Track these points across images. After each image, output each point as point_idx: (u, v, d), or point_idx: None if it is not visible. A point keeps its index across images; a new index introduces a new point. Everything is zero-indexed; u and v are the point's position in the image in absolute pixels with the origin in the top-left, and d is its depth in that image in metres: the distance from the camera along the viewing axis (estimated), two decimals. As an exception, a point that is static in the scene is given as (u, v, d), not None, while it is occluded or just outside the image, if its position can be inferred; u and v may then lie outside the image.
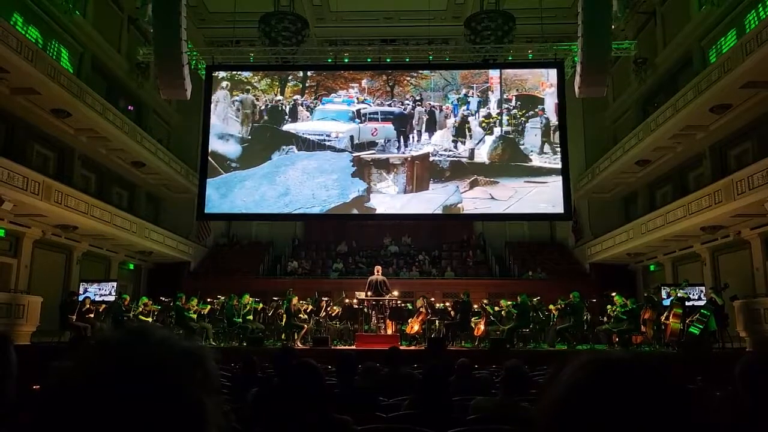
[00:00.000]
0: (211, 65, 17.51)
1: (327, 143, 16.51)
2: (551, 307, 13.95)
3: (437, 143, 16.52)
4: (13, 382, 1.40)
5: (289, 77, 17.49)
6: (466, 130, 16.63)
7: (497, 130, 16.63)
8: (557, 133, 16.25)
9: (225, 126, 16.93)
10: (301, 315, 13.53)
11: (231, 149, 16.70)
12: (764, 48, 12.09)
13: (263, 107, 17.00)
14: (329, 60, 18.43)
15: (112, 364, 0.72)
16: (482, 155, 16.44)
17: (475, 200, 16.20)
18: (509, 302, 13.83)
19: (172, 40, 14.26)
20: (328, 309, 14.13)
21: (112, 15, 19.31)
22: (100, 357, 0.73)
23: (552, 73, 16.82)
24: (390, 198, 16.22)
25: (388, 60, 18.27)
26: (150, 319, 13.61)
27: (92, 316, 13.08)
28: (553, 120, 16.42)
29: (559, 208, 16.10)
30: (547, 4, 18.04)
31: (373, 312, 13.49)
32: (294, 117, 16.88)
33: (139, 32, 20.09)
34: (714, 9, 15.79)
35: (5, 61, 12.52)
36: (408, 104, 16.88)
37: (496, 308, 14.02)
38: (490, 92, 16.96)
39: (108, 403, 0.69)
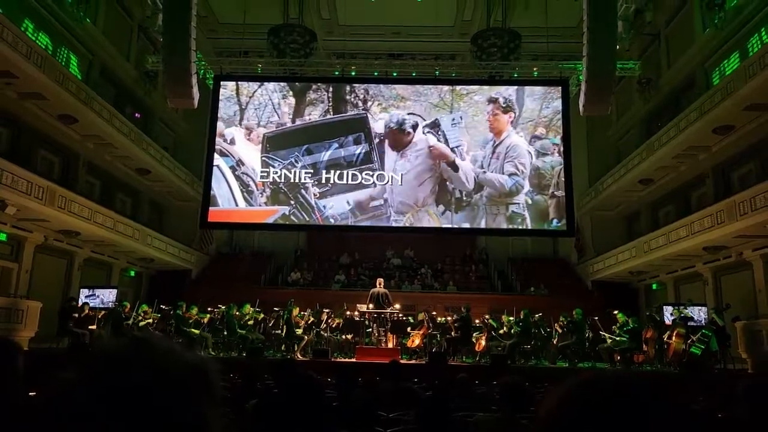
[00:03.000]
0: (219, 75, 17.63)
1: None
2: (555, 325, 13.88)
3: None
4: (16, 392, 1.40)
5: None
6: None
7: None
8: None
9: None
10: (300, 326, 13.49)
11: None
12: (767, 71, 12.16)
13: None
14: (336, 72, 18.55)
15: (116, 375, 0.72)
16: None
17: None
18: (511, 318, 13.78)
19: (181, 50, 14.38)
20: (329, 321, 14.09)
21: (122, 23, 19.49)
22: (104, 368, 0.74)
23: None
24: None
25: (395, 74, 18.38)
26: (150, 320, 13.57)
27: (94, 327, 13.03)
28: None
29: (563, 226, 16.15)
30: (552, 23, 18.16)
31: (375, 325, 13.44)
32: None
33: (149, 41, 20.28)
34: (718, 32, 15.89)
35: (14, 66, 12.63)
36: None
37: (500, 327, 13.95)
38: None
39: (111, 415, 0.69)
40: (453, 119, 16.81)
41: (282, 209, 16.44)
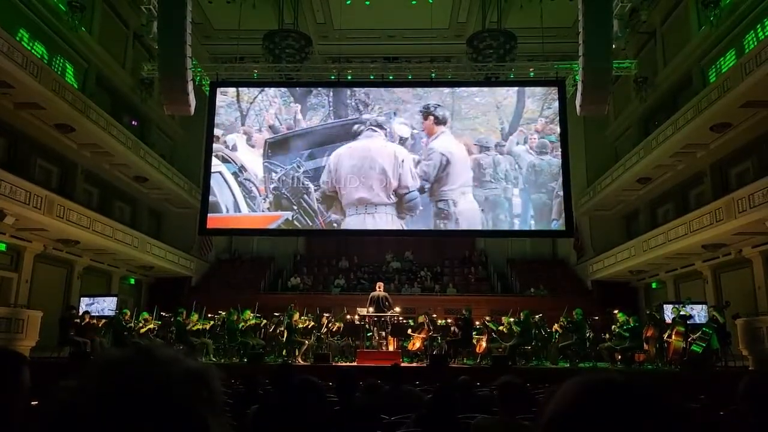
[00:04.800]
0: (215, 81, 17.65)
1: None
2: (555, 326, 13.87)
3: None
4: (22, 403, 1.41)
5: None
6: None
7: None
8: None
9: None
10: (298, 328, 13.48)
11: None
12: (763, 68, 12.19)
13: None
14: (332, 77, 18.58)
15: (119, 384, 0.72)
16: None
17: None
18: (511, 319, 13.78)
19: (177, 57, 14.40)
20: (330, 325, 14.08)
21: (117, 31, 19.51)
22: (107, 377, 0.74)
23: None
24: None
25: (391, 77, 18.42)
26: (151, 326, 13.54)
27: (95, 336, 13.00)
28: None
29: (561, 225, 16.16)
30: (548, 23, 18.20)
31: (375, 328, 13.44)
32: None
33: (144, 48, 20.30)
34: (713, 30, 15.94)
35: (10, 76, 12.62)
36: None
37: (500, 327, 13.94)
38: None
39: (114, 424, 0.69)
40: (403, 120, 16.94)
41: (285, 214, 16.46)
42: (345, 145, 16.72)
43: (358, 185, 16.34)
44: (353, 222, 16.33)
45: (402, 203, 16.25)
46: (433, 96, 17.20)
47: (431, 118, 16.87)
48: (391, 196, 16.24)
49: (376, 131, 16.80)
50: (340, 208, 16.35)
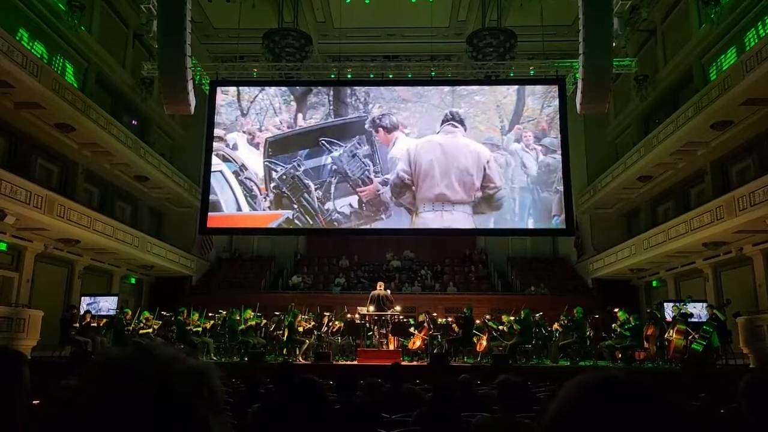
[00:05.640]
0: (215, 80, 17.63)
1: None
2: (555, 324, 13.88)
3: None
4: (23, 403, 1.41)
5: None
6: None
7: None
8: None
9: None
10: (299, 330, 13.50)
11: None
12: (764, 66, 12.18)
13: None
14: (332, 75, 18.57)
15: (120, 383, 0.73)
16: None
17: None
18: (512, 317, 13.78)
19: (177, 56, 14.39)
20: (330, 324, 14.09)
21: (117, 31, 19.51)
22: (108, 376, 0.74)
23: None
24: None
25: (391, 76, 18.40)
26: (150, 330, 13.56)
27: (96, 335, 13.02)
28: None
29: (561, 223, 16.14)
30: (548, 21, 18.18)
31: (375, 327, 13.44)
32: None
33: (144, 48, 20.30)
34: (714, 27, 15.92)
35: (10, 76, 12.63)
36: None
37: (500, 326, 13.93)
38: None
39: (115, 422, 0.70)
40: (353, 151, 16.81)
41: (286, 213, 16.46)
42: (424, 138, 16.66)
43: (438, 181, 16.25)
44: (429, 218, 16.21)
45: (492, 201, 16.14)
46: (434, 95, 17.19)
47: (381, 130, 16.86)
48: (473, 195, 16.13)
49: (457, 127, 16.73)
50: (413, 200, 16.27)
